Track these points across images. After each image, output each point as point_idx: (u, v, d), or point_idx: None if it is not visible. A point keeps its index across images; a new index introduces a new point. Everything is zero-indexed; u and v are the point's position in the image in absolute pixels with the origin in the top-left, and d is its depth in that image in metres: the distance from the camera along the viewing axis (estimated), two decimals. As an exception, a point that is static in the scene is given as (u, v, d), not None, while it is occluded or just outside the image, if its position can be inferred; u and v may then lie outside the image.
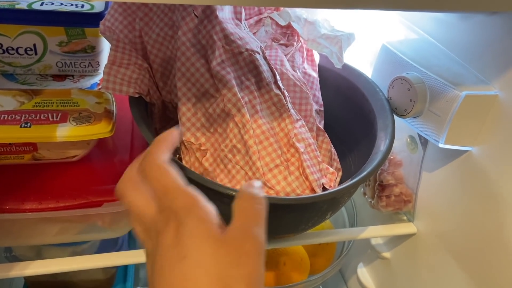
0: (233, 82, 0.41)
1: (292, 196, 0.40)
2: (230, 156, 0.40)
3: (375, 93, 0.48)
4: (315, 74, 0.52)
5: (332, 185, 0.43)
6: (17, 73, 0.51)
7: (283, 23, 0.50)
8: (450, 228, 0.49)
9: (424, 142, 0.49)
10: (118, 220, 0.44)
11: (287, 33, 0.51)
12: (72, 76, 0.53)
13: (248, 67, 0.43)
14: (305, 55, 0.52)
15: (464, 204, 0.46)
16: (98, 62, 0.53)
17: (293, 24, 0.50)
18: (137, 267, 0.61)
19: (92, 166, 0.43)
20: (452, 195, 0.47)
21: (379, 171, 0.52)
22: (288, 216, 0.39)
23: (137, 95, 0.41)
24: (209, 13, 0.41)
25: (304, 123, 0.45)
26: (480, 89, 0.40)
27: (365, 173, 0.38)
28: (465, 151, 0.44)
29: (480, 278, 0.45)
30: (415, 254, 0.55)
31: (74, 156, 0.43)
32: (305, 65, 0.51)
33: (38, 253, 0.48)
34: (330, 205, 0.40)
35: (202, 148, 0.41)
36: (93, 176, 0.42)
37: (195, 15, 0.41)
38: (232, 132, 0.41)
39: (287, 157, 0.41)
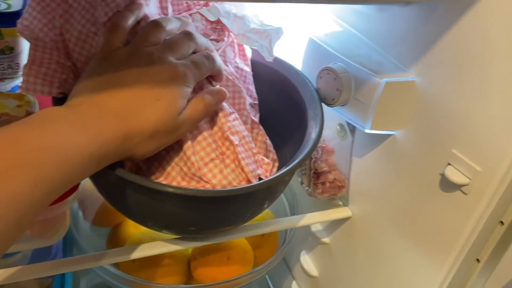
0: None
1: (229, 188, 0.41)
2: (163, 152, 0.40)
3: (305, 84, 0.50)
4: (248, 69, 0.52)
5: (267, 175, 0.44)
6: None
7: (212, 19, 0.50)
8: (380, 209, 0.51)
9: (353, 129, 0.51)
10: (49, 228, 0.42)
11: (217, 28, 0.51)
12: (-10, 79, 0.50)
13: None
14: (236, 50, 0.52)
15: (390, 185, 0.49)
16: (18, 63, 0.50)
17: (222, 19, 0.50)
18: (76, 275, 0.59)
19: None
20: (381, 177, 0.50)
21: (313, 160, 0.54)
22: (226, 209, 0.39)
23: (61, 96, 0.39)
24: (134, 8, 0.40)
25: (238, 116, 0.45)
26: (399, 76, 0.43)
27: (296, 161, 0.40)
28: (390, 135, 0.47)
29: (411, 253, 0.48)
30: (352, 237, 0.58)
31: (-4, 164, 0.40)
32: (237, 59, 0.51)
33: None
34: (266, 194, 0.41)
35: None
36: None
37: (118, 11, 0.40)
38: None
39: (222, 150, 0.41)
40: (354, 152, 0.52)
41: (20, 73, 0.51)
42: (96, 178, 0.41)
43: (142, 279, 0.54)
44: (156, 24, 0.40)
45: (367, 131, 0.45)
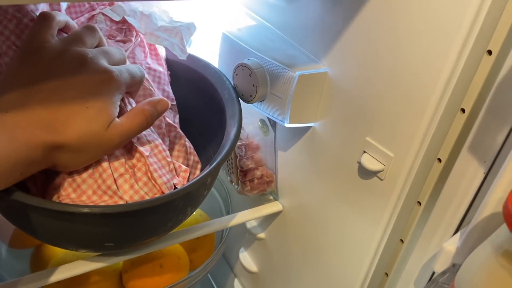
0: None
1: None
2: None
3: (223, 82, 0.49)
4: (162, 68, 0.50)
5: (185, 183, 0.42)
6: None
7: (117, 18, 0.48)
8: (308, 200, 0.52)
9: (274, 124, 0.51)
10: None
11: (124, 29, 0.48)
12: None
13: None
14: (147, 50, 0.50)
15: (315, 176, 0.49)
16: None
17: (128, 18, 0.47)
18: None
19: None
20: (305, 169, 0.50)
21: (238, 158, 0.53)
22: (143, 222, 0.37)
23: None
24: (22, 15, 0.37)
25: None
26: (312, 68, 0.43)
27: (215, 162, 0.38)
28: (310, 128, 0.47)
29: (338, 241, 0.48)
30: (285, 230, 0.58)
31: None
32: (148, 60, 0.49)
33: None
34: (186, 201, 0.39)
35: None
36: None
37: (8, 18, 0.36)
38: None
39: (132, 163, 0.39)
40: (278, 146, 0.52)
41: None
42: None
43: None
44: (92, 28, 0.38)
45: (287, 125, 0.45)
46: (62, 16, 0.38)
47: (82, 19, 0.48)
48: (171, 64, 0.52)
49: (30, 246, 0.60)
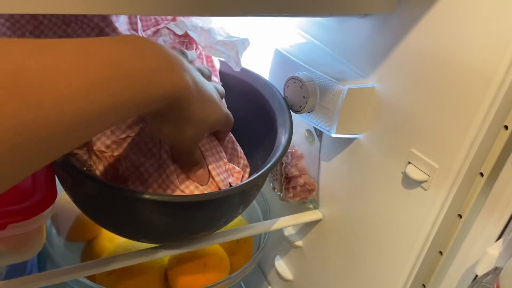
0: None
1: None
2: (142, 159, 0.41)
3: (273, 93, 0.52)
4: (216, 79, 0.54)
5: (238, 182, 0.45)
6: None
7: (180, 33, 0.52)
8: (349, 210, 0.54)
9: (320, 134, 0.54)
10: (25, 243, 0.42)
11: (185, 42, 0.53)
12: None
13: None
14: (204, 62, 0.54)
15: (356, 186, 0.51)
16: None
17: (189, 32, 0.52)
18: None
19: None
20: (347, 179, 0.53)
21: (284, 165, 0.56)
22: (201, 214, 0.41)
23: None
24: (105, 24, 0.42)
25: None
26: (360, 83, 0.46)
27: (268, 165, 0.42)
28: (354, 139, 0.50)
29: (379, 250, 0.50)
30: (323, 238, 0.60)
31: (-32, 181, 0.40)
32: None
33: None
34: (241, 198, 0.42)
35: (115, 154, 0.42)
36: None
37: (91, 27, 0.41)
38: (148, 136, 0.42)
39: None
40: (322, 156, 0.55)
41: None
42: (72, 188, 0.41)
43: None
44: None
45: (333, 135, 0.48)
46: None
47: (149, 32, 0.53)
48: (224, 76, 0.56)
49: (84, 240, 0.64)
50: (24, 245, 0.42)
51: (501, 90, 0.35)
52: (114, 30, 0.42)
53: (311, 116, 0.50)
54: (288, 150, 0.56)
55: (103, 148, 0.41)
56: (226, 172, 0.44)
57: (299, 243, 0.65)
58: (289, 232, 0.67)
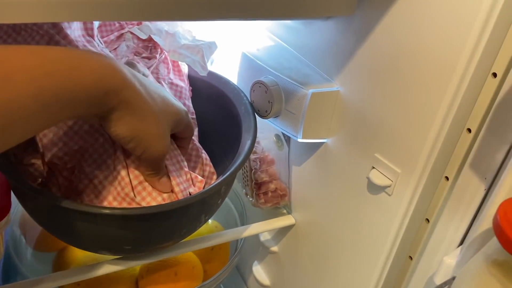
0: None
1: None
2: (96, 171, 0.40)
3: (240, 98, 0.51)
4: (183, 84, 0.53)
5: (200, 191, 0.44)
6: None
7: (144, 37, 0.51)
8: (319, 214, 0.53)
9: (288, 139, 0.53)
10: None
11: (149, 46, 0.52)
12: None
13: None
14: (170, 66, 0.53)
15: (325, 191, 0.51)
16: None
17: (153, 37, 0.51)
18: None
19: None
20: (317, 184, 0.52)
21: (253, 171, 0.55)
22: (159, 226, 0.40)
23: None
24: (55, 31, 0.40)
25: None
26: (325, 86, 0.45)
27: (228, 172, 0.41)
28: (322, 143, 0.49)
29: (349, 255, 0.49)
30: (297, 243, 0.59)
31: None
32: (171, 75, 0.52)
33: None
34: (200, 208, 0.41)
35: (69, 166, 0.41)
36: None
37: (41, 35, 0.40)
38: (102, 147, 0.41)
39: None
40: (292, 161, 0.54)
41: None
42: (25, 202, 0.40)
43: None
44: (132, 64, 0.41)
45: (300, 140, 0.47)
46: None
47: (112, 37, 0.52)
48: (194, 81, 0.55)
49: (54, 250, 0.63)
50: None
51: (459, 91, 0.34)
52: (65, 37, 0.40)
53: (277, 121, 0.49)
54: (258, 156, 0.55)
55: (55, 160, 0.40)
56: (187, 181, 0.43)
57: (274, 248, 0.64)
58: (265, 237, 0.66)
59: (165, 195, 0.41)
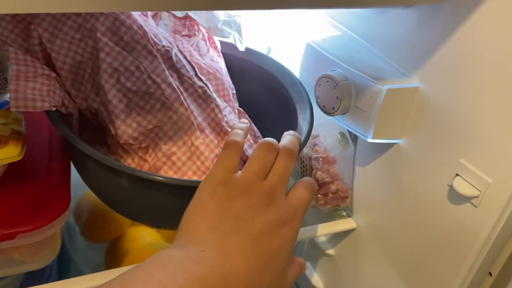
0: (170, 78, 0.41)
1: None
2: (174, 148, 0.40)
3: (294, 83, 0.50)
4: (221, 60, 0.52)
5: None
6: None
7: (180, 15, 0.50)
8: (386, 220, 0.49)
9: (354, 138, 0.49)
10: (38, 250, 0.40)
11: (187, 24, 0.51)
12: (-22, 96, 0.48)
13: (167, 63, 0.43)
14: (208, 43, 0.51)
15: (395, 195, 0.46)
16: (6, 78, 0.48)
17: (191, 14, 0.49)
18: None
19: (7, 191, 0.39)
20: (385, 187, 0.48)
21: (314, 171, 0.52)
22: None
23: (53, 109, 0.38)
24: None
25: (230, 109, 0.46)
26: (402, 82, 0.41)
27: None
28: (394, 144, 0.45)
29: (419, 266, 0.45)
30: (356, 248, 0.56)
31: (-19, 185, 0.39)
32: (211, 53, 0.51)
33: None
34: None
35: (143, 145, 0.41)
36: (4, 206, 0.38)
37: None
38: (176, 125, 0.41)
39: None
40: (357, 161, 0.50)
41: (8, 88, 0.49)
42: (103, 182, 0.40)
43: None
44: (270, 146, 0.34)
45: (370, 140, 0.43)
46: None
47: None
48: (244, 63, 0.53)
49: (106, 241, 0.62)
50: (37, 253, 0.40)
51: None
52: (129, 16, 0.40)
53: (344, 118, 0.45)
54: (320, 155, 0.51)
55: (130, 141, 0.40)
56: None
57: (331, 251, 0.61)
58: (320, 239, 0.62)
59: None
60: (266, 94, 0.53)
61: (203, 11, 0.50)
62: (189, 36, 0.51)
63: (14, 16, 0.40)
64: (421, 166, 0.42)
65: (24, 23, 0.41)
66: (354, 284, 0.58)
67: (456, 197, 0.38)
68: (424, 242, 0.44)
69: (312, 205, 0.55)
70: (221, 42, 0.53)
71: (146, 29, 0.42)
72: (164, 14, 0.50)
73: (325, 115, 0.46)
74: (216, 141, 0.42)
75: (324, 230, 0.54)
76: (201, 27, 0.51)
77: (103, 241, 0.63)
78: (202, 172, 0.41)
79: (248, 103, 0.52)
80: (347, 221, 0.54)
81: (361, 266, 0.56)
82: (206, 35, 0.52)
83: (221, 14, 0.51)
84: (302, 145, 0.40)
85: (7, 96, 0.49)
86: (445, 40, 0.37)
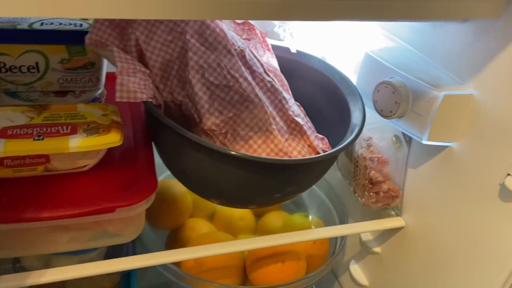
0: (246, 73, 0.47)
1: None
2: (251, 133, 0.46)
3: (346, 82, 0.55)
4: (275, 61, 0.57)
5: (326, 148, 0.51)
6: (19, 90, 0.53)
7: (240, 21, 0.55)
8: (435, 220, 0.52)
9: (409, 140, 0.53)
10: (128, 225, 0.46)
11: (245, 29, 0.56)
12: (73, 91, 0.55)
13: (242, 61, 0.49)
14: (263, 46, 0.57)
15: (446, 196, 0.50)
16: (98, 77, 0.55)
17: (250, 20, 0.56)
18: (140, 275, 0.63)
19: (102, 175, 0.45)
20: (436, 188, 0.51)
21: (368, 170, 0.56)
22: (306, 175, 0.47)
23: (150, 100, 0.44)
24: None
25: (293, 101, 0.52)
26: (457, 89, 0.45)
27: (352, 137, 0.46)
28: (446, 147, 0.49)
29: (467, 265, 0.48)
30: (404, 247, 0.59)
31: (85, 166, 0.45)
32: (267, 54, 0.57)
33: (47, 263, 0.50)
34: (326, 166, 0.49)
35: (223, 131, 0.47)
36: (104, 184, 0.44)
37: None
38: (252, 113, 0.47)
39: (291, 131, 0.49)
40: (410, 163, 0.54)
41: (99, 86, 0.56)
42: (192, 161, 0.45)
43: (202, 278, 0.57)
44: None
45: (424, 142, 0.47)
46: None
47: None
48: (299, 67, 0.59)
49: (168, 228, 0.68)
50: (126, 228, 0.46)
51: None
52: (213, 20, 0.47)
53: (401, 122, 0.49)
54: (375, 155, 0.56)
55: (213, 127, 0.46)
56: (317, 138, 0.50)
57: (377, 249, 0.64)
58: (367, 237, 0.66)
59: (306, 149, 0.49)
60: (315, 91, 0.58)
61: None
62: (248, 40, 0.56)
63: (112, 22, 0.47)
64: (472, 167, 0.46)
65: (119, 27, 0.47)
66: (400, 282, 0.61)
67: (507, 196, 0.42)
68: (473, 242, 0.47)
69: (363, 203, 0.59)
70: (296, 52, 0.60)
71: (226, 32, 0.48)
72: (226, 20, 0.57)
73: (378, 120, 0.51)
74: (285, 128, 0.49)
75: (373, 226, 0.58)
76: (257, 31, 0.58)
77: (165, 229, 0.69)
78: (275, 153, 0.47)
79: (296, 100, 0.57)
80: (396, 220, 0.58)
81: (408, 265, 0.59)
82: (261, 38, 0.58)
83: (275, 21, 0.57)
84: (358, 133, 0.46)
85: (98, 93, 0.56)
86: (500, 52, 0.41)
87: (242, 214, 0.71)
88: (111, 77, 0.58)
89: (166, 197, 0.67)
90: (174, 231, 0.68)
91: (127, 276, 0.60)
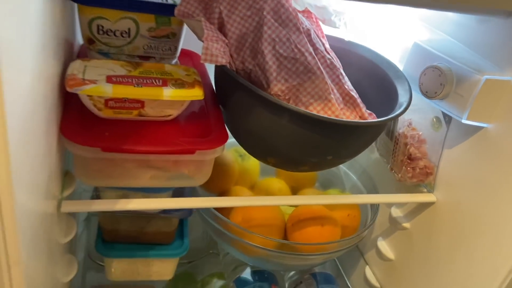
0: (311, 49, 0.54)
1: None
2: (311, 100, 0.53)
3: (391, 66, 0.63)
4: (327, 44, 0.64)
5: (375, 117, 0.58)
6: (111, 52, 0.61)
7: (300, 9, 0.63)
8: (466, 197, 0.58)
9: (448, 121, 0.59)
10: (201, 169, 0.53)
11: (305, 16, 0.63)
12: (154, 57, 0.63)
13: (307, 38, 0.56)
14: (318, 32, 0.64)
15: (479, 175, 0.56)
16: (176, 47, 0.63)
17: (309, 8, 0.63)
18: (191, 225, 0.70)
19: (182, 125, 0.53)
20: (469, 167, 0.57)
21: (408, 146, 0.62)
22: (358, 138, 0.54)
23: (227, 65, 0.51)
24: None
25: (347, 78, 0.59)
26: (497, 75, 0.51)
27: (399, 111, 0.53)
28: (482, 128, 0.55)
29: (493, 247, 0.54)
30: (434, 223, 0.64)
31: (169, 116, 0.53)
32: (323, 40, 0.63)
33: (123, 198, 0.57)
34: (376, 133, 0.56)
35: (287, 97, 0.54)
36: (184, 132, 0.52)
37: None
38: (314, 83, 0.54)
39: (345, 103, 0.55)
40: (446, 142, 0.60)
41: (175, 55, 0.64)
42: (261, 120, 0.52)
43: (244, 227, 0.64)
44: None
45: (464, 121, 0.53)
46: None
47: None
48: (337, 50, 0.65)
49: (216, 192, 0.76)
50: (199, 172, 0.54)
51: None
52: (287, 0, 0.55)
53: (443, 103, 0.56)
54: (416, 132, 0.62)
55: (279, 93, 0.53)
56: (365, 106, 0.58)
57: (406, 224, 0.70)
58: (396, 213, 0.72)
59: (357, 117, 0.56)
60: (362, 77, 0.64)
61: (317, 8, 0.63)
62: None
63: None
64: (506, 148, 0.52)
65: (204, 2, 0.55)
66: (426, 255, 0.66)
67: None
68: (503, 220, 0.52)
69: (399, 179, 0.65)
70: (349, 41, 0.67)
71: (297, 12, 0.56)
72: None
73: (419, 102, 0.57)
74: (341, 98, 0.56)
75: (406, 198, 0.65)
76: (315, 19, 0.64)
77: (214, 192, 0.76)
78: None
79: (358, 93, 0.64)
80: (428, 195, 0.64)
81: (436, 240, 0.63)
82: (318, 25, 0.65)
83: (330, 9, 0.64)
84: (407, 106, 0.53)
85: (173, 61, 0.64)
86: (540, 43, 0.47)
87: (280, 187, 0.78)
88: (183, 52, 0.67)
89: (217, 164, 0.75)
90: (221, 195, 0.75)
91: (181, 225, 0.68)
